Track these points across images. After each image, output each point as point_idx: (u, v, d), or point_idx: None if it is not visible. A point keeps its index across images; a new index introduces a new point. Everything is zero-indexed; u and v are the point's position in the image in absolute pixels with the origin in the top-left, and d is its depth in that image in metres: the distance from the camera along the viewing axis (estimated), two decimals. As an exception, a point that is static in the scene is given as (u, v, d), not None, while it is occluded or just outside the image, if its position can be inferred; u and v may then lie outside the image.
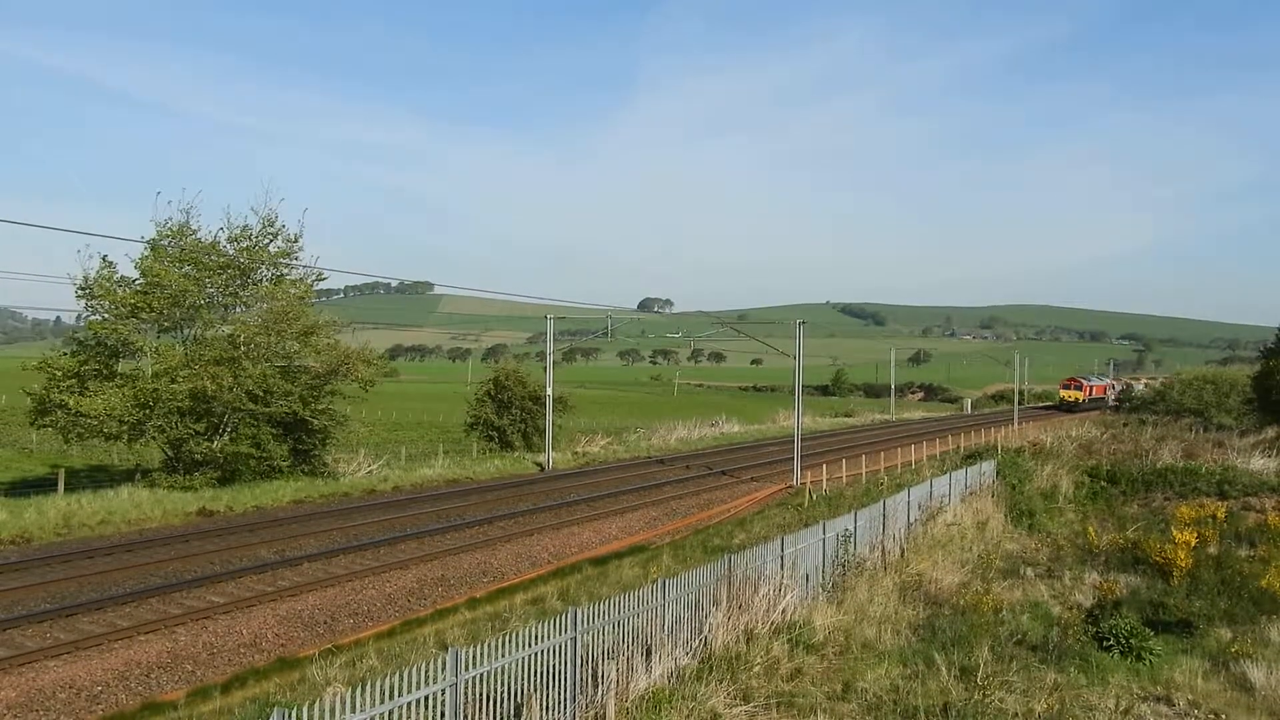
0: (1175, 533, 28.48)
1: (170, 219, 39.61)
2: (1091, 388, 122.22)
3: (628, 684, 13.01)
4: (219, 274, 40.13)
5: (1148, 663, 19.05)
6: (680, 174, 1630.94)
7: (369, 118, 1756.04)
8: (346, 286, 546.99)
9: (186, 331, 40.27)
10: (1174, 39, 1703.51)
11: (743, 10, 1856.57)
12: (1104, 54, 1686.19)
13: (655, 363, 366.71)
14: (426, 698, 10.23)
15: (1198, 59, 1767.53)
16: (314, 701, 9.08)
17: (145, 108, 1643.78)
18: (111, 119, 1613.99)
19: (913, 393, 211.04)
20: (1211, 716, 16.04)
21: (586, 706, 12.62)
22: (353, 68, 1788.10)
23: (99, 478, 43.02)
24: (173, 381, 37.09)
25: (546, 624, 12.33)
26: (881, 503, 26.62)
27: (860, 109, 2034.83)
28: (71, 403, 36.10)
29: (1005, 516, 34.66)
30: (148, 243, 38.83)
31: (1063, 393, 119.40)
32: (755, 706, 13.75)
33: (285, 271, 42.00)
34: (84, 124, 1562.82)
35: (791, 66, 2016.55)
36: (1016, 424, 77.75)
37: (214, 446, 38.33)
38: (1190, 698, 16.77)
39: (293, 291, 41.46)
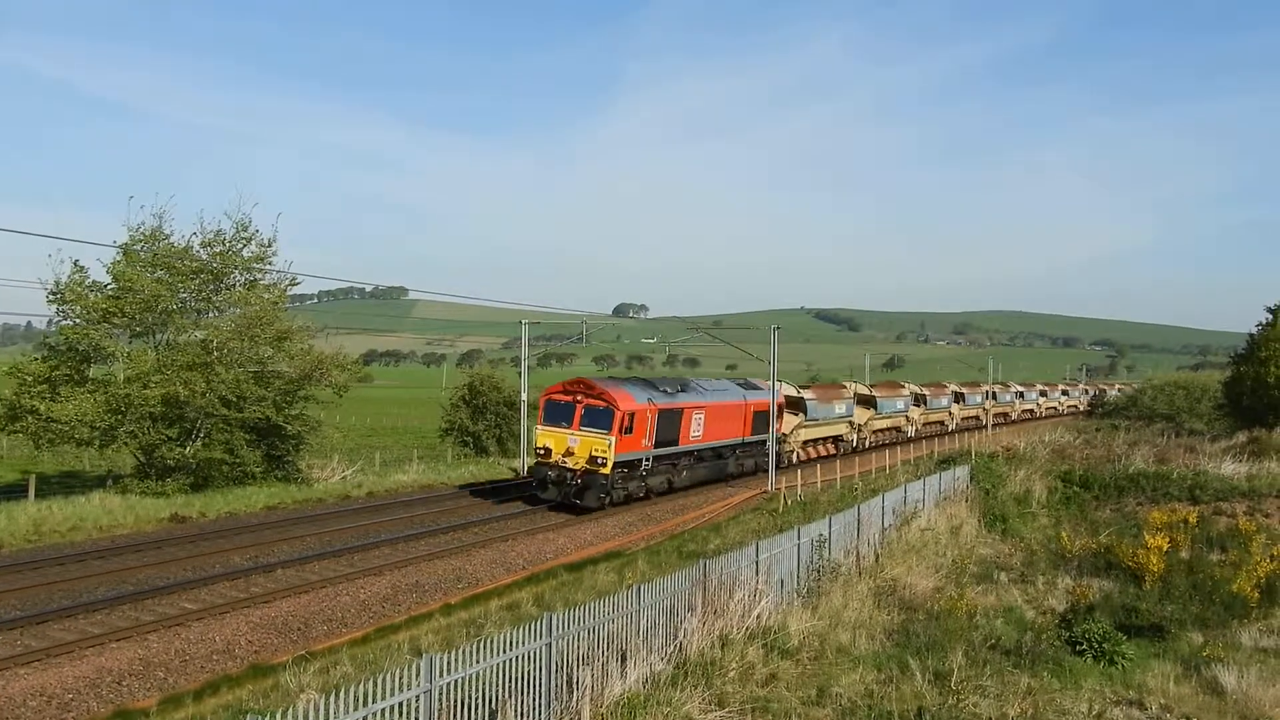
0: (1147, 537, 28.66)
1: (143, 223, 39.30)
2: (633, 417, 37.13)
3: (603, 689, 13.00)
4: (192, 279, 39.84)
5: (1120, 667, 19.17)
6: (657, 179, 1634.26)
7: (346, 122, 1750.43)
8: (320, 291, 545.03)
9: (159, 336, 39.92)
10: (1152, 45, 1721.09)
11: (722, 15, 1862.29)
12: (1081, 60, 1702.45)
13: (630, 368, 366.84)
14: (401, 704, 10.21)
15: (1175, 65, 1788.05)
16: (287, 709, 9.05)
17: (119, 110, 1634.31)
18: (84, 122, 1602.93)
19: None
20: (1183, 719, 16.16)
21: (562, 712, 12.60)
22: (330, 71, 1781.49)
23: (70, 484, 42.63)
24: (145, 387, 36.78)
25: (521, 630, 12.32)
26: (856, 508, 26.68)
27: (838, 114, 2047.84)
28: (42, 408, 35.75)
29: (979, 521, 34.79)
30: (120, 247, 38.50)
31: (541, 433, 38.03)
32: (730, 712, 13.76)
33: (259, 276, 41.76)
34: (59, 126, 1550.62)
35: (770, 72, 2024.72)
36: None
37: (186, 452, 38.08)
38: (1162, 701, 16.89)
39: (266, 296, 41.22)
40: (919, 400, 77.40)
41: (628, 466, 37.78)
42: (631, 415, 36.97)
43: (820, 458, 56.92)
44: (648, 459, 38.98)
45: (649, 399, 38.79)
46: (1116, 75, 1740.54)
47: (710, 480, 44.84)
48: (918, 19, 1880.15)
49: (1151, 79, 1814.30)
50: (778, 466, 48.41)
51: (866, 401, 65.80)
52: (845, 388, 65.36)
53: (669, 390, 41.23)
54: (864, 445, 64.04)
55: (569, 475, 36.62)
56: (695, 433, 42.44)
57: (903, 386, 78.08)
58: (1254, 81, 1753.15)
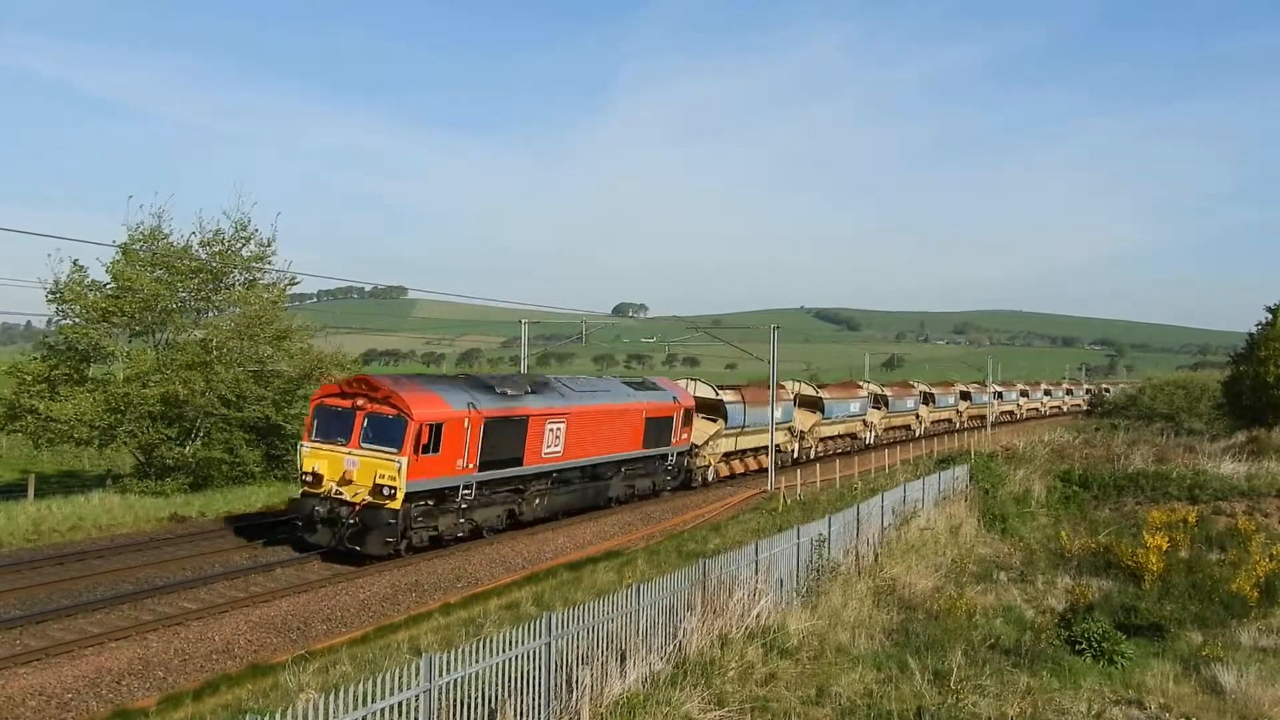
0: (1147, 537, 28.73)
1: (142, 223, 39.30)
2: (439, 430, 26.60)
3: (602, 689, 13.01)
4: (191, 278, 39.86)
5: (1120, 666, 19.20)
6: (657, 179, 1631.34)
7: (346, 122, 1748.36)
8: (320, 291, 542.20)
9: (158, 336, 39.95)
10: (1151, 45, 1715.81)
11: (721, 16, 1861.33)
12: (1080, 61, 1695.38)
13: (630, 367, 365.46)
14: (401, 704, 10.20)
15: (1175, 65, 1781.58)
16: (287, 708, 9.05)
17: (119, 110, 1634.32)
18: (84, 122, 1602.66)
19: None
20: (1182, 719, 16.17)
21: (561, 712, 12.60)
22: (331, 71, 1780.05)
23: (70, 483, 42.64)
24: (144, 386, 36.81)
25: (521, 629, 12.32)
26: (855, 507, 26.69)
27: (838, 114, 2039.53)
28: (42, 408, 35.79)
29: (978, 521, 34.83)
30: (119, 247, 38.50)
31: (310, 452, 26.93)
32: (729, 711, 13.76)
33: (258, 276, 41.79)
34: (59, 126, 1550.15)
35: (769, 72, 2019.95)
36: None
37: (186, 452, 38.08)
38: (1161, 701, 16.90)
39: (265, 296, 41.25)
40: (879, 402, 68.45)
41: (433, 497, 27.57)
42: (436, 426, 26.55)
43: (746, 473, 47.39)
44: (469, 485, 28.61)
45: (470, 403, 28.23)
46: (1116, 75, 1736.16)
47: (583, 508, 35.23)
48: (917, 19, 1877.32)
49: (1151, 79, 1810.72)
50: (688, 486, 43.05)
51: (811, 404, 56.50)
52: (783, 388, 52.79)
53: (509, 392, 30.77)
54: (807, 456, 55.30)
55: (344, 511, 26.04)
56: (553, 448, 32.13)
57: (859, 387, 68.66)
58: (1253, 81, 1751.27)
